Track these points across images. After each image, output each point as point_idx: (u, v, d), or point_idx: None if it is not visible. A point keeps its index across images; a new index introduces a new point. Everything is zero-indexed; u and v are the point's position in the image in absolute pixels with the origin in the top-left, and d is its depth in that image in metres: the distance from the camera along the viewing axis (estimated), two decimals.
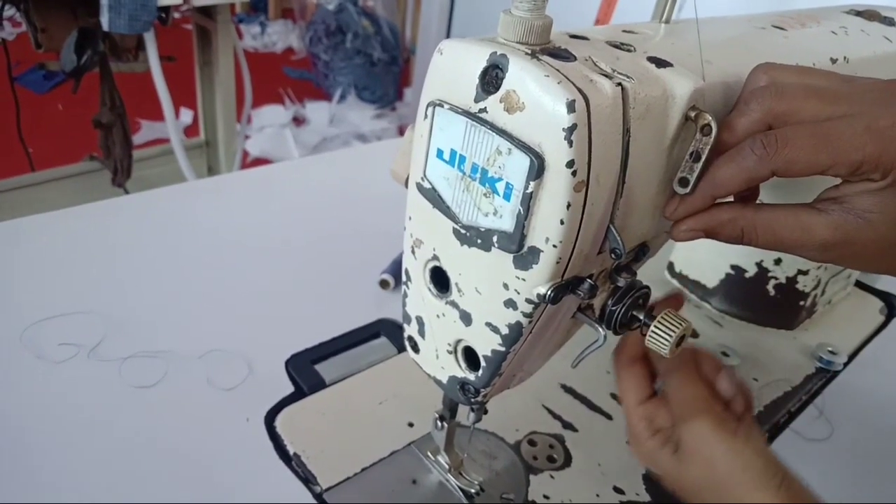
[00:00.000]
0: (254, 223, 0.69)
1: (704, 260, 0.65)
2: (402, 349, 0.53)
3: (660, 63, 0.31)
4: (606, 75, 0.29)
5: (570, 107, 0.27)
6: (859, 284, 0.71)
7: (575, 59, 0.29)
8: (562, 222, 0.28)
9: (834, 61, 0.42)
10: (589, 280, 0.31)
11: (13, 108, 1.48)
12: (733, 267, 0.62)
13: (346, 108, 2.68)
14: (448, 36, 2.31)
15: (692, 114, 0.31)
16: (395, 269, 0.62)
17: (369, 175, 0.78)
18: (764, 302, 0.62)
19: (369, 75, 2.71)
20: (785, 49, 0.40)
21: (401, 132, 2.64)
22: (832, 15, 0.50)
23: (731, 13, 0.49)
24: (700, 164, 0.31)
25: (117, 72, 1.48)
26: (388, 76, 2.76)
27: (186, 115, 2.37)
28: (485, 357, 0.35)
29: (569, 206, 0.28)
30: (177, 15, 1.45)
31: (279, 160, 2.34)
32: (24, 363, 0.49)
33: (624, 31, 0.36)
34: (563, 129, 0.27)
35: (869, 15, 0.51)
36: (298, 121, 2.63)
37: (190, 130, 2.31)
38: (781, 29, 0.43)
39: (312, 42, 2.82)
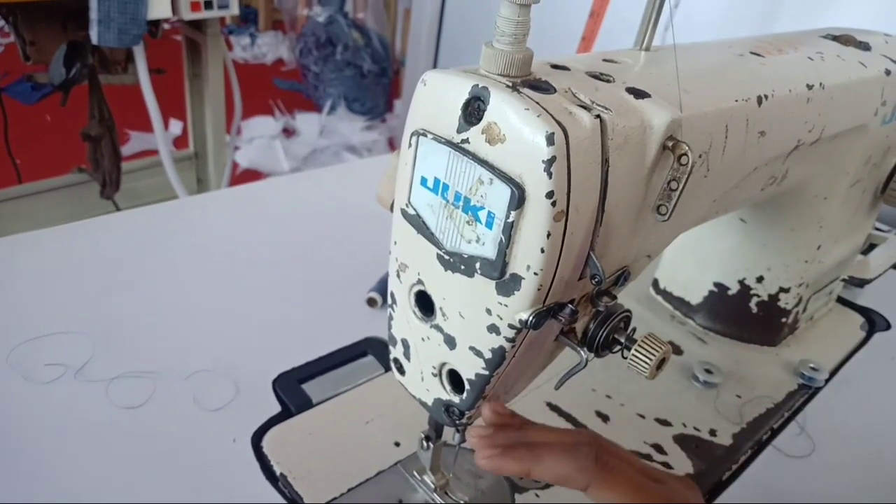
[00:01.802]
0: (241, 241, 0.70)
1: (688, 277, 0.66)
2: (388, 368, 0.54)
3: (638, 94, 0.32)
4: (585, 107, 0.30)
5: (550, 139, 0.27)
6: (841, 300, 0.72)
7: (555, 90, 0.30)
8: (542, 251, 0.29)
9: (810, 87, 0.43)
10: (570, 305, 0.32)
11: (1, 119, 1.47)
12: (716, 284, 0.63)
13: (336, 120, 2.68)
14: (437, 48, 2.32)
15: (669, 144, 0.32)
16: (383, 287, 0.62)
17: (357, 192, 0.79)
18: (747, 319, 0.63)
19: (359, 87, 2.72)
20: (763, 76, 0.41)
21: (391, 144, 2.65)
22: (809, 40, 0.51)
23: (714, 33, 0.50)
24: (677, 193, 0.32)
25: (106, 84, 1.48)
26: (377, 88, 2.77)
27: (176, 126, 2.37)
28: (469, 380, 0.35)
29: (549, 235, 0.29)
30: (166, 26, 1.45)
31: (269, 171, 2.34)
32: (11, 384, 0.49)
33: (604, 59, 0.37)
34: (543, 160, 0.27)
35: (845, 40, 0.53)
36: (288, 132, 2.63)
37: (179, 142, 2.31)
38: (759, 56, 0.44)
39: (302, 53, 2.83)
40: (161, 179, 1.58)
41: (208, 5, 1.38)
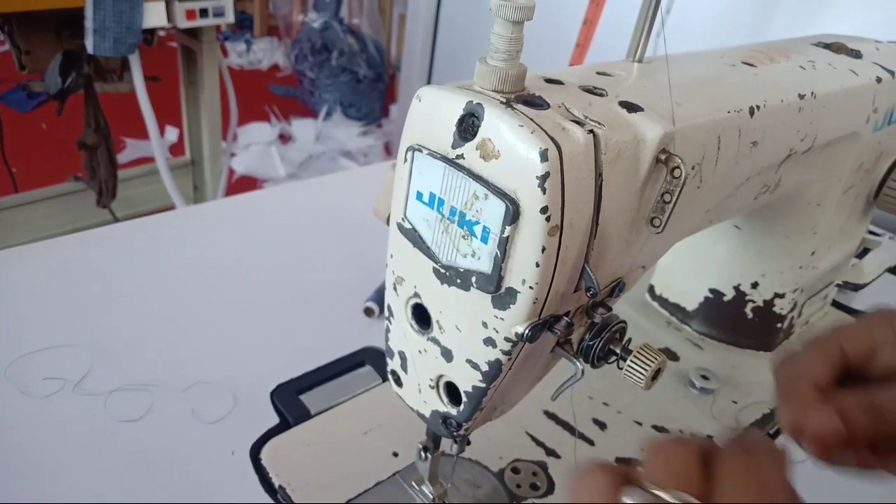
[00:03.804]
0: (238, 252, 0.70)
1: (684, 283, 0.66)
2: (386, 378, 0.54)
3: (631, 108, 0.33)
4: (579, 122, 0.30)
5: (543, 156, 0.28)
6: (836, 304, 0.73)
7: (548, 106, 0.30)
8: (537, 265, 0.29)
9: (802, 97, 0.43)
10: (565, 318, 0.32)
11: None
12: (712, 290, 0.63)
13: (332, 126, 2.69)
14: (433, 53, 2.33)
15: (662, 157, 0.32)
16: (379, 296, 0.63)
17: (353, 202, 0.79)
18: (742, 324, 0.63)
19: (355, 92, 2.73)
20: (755, 87, 0.41)
21: (387, 149, 2.65)
22: (801, 48, 0.51)
23: (706, 39, 0.51)
24: (671, 205, 0.33)
25: (102, 92, 1.48)
26: (373, 93, 2.78)
27: (172, 133, 2.37)
28: (466, 393, 0.35)
29: (543, 249, 0.29)
30: (162, 33, 1.45)
31: (265, 178, 2.34)
32: (9, 398, 0.49)
33: (597, 72, 0.37)
34: (537, 176, 0.28)
35: (836, 48, 0.53)
36: (284, 138, 2.63)
37: (175, 149, 2.31)
38: (751, 66, 0.44)
39: (298, 59, 2.83)
40: (157, 187, 1.59)
41: (204, 13, 1.39)
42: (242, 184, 2.30)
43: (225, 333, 0.58)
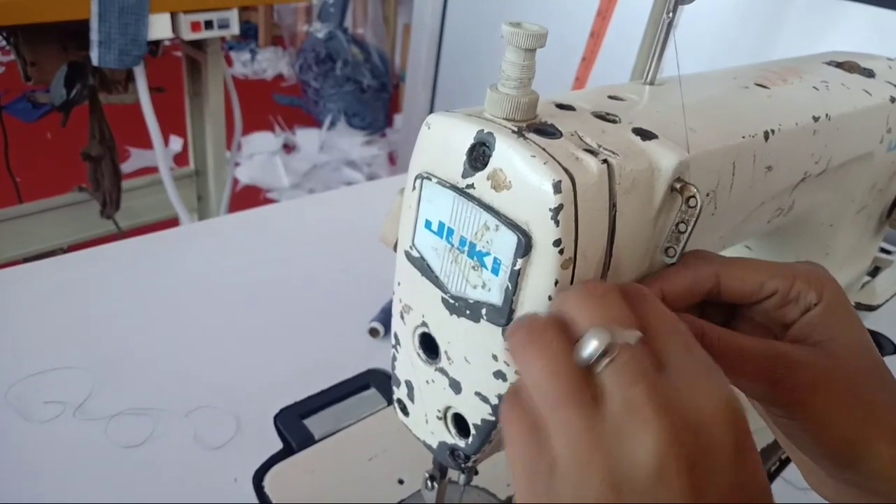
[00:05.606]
0: (240, 271, 0.69)
1: None
2: (391, 401, 0.53)
3: (645, 135, 0.32)
4: (592, 151, 0.29)
5: (557, 187, 0.27)
6: None
7: (561, 135, 0.30)
8: (550, 298, 0.28)
9: (816, 119, 0.43)
10: None
11: (1, 138, 1.47)
12: None
13: (336, 135, 2.69)
14: (438, 63, 2.33)
15: (677, 185, 0.31)
16: (384, 316, 0.62)
17: (359, 218, 0.78)
18: None
19: (359, 102, 2.73)
20: (768, 110, 0.41)
21: (391, 158, 2.65)
22: (813, 68, 0.50)
23: (710, 53, 0.50)
24: (686, 235, 0.32)
25: (107, 103, 1.48)
26: (377, 103, 2.78)
27: (176, 143, 2.38)
28: (475, 425, 0.35)
29: (556, 282, 0.28)
30: (166, 43, 1.45)
31: (269, 187, 2.34)
32: (9, 423, 0.48)
33: (609, 96, 0.36)
34: (550, 209, 0.27)
35: (849, 66, 0.52)
36: (288, 147, 2.63)
37: (179, 159, 2.32)
38: (764, 87, 0.43)
39: (302, 69, 2.84)
40: (161, 197, 1.58)
41: (209, 25, 1.39)
42: (246, 193, 2.30)
43: (228, 355, 0.58)
